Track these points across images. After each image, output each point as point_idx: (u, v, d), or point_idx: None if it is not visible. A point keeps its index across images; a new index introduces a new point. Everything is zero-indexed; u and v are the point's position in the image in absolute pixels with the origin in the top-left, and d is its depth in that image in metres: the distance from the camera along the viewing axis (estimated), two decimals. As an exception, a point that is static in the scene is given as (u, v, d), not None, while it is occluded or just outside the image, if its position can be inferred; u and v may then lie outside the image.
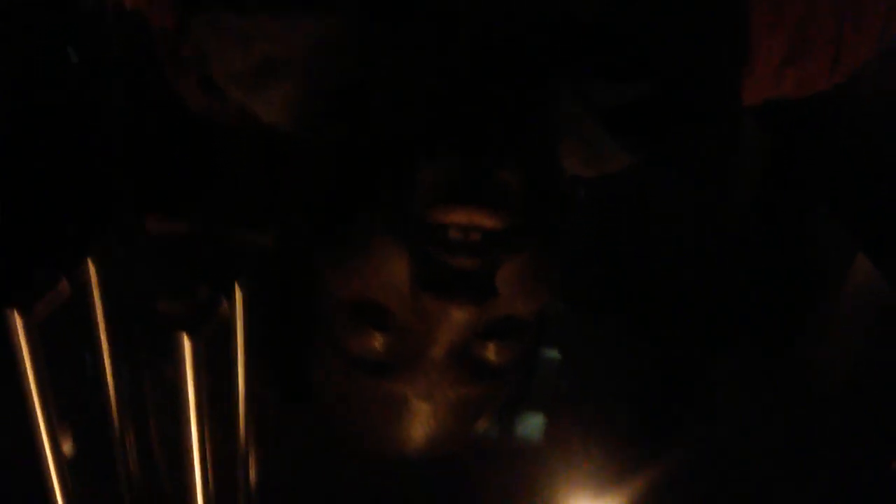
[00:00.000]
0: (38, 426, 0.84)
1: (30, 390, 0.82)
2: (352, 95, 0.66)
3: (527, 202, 0.58)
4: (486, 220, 0.55)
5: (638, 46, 0.67)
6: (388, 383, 0.62)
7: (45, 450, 0.84)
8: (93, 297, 0.89)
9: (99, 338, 0.92)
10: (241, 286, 0.84)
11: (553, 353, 1.38)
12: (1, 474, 0.98)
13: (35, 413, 0.83)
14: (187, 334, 0.79)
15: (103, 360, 0.92)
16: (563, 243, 0.66)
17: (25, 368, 0.81)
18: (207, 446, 0.84)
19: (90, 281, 0.88)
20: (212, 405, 0.86)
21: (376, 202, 0.60)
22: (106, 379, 0.92)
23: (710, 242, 1.19)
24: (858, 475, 1.14)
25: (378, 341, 0.61)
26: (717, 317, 1.24)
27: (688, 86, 0.70)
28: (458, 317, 0.57)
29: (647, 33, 0.68)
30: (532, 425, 1.33)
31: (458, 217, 0.55)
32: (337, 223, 0.63)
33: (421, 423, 0.63)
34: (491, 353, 0.61)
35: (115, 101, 0.87)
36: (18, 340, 0.80)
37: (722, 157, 0.75)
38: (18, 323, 0.79)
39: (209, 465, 0.87)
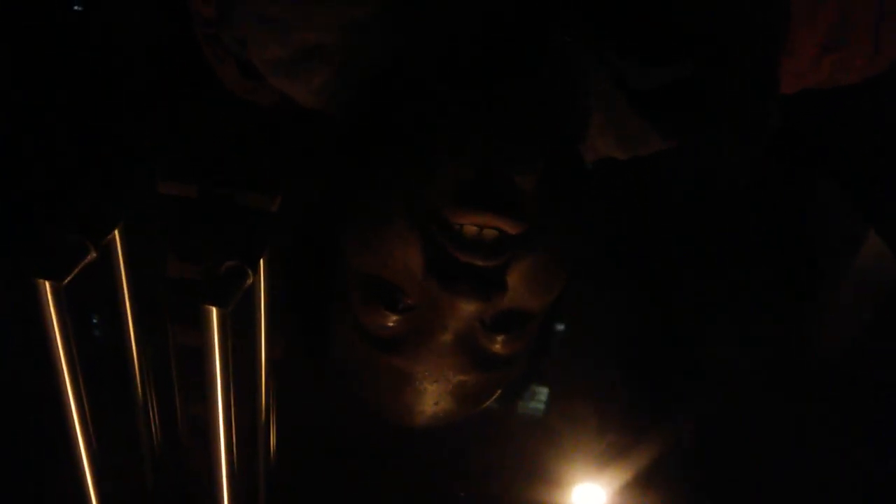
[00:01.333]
0: (66, 393, 0.85)
1: (58, 357, 0.83)
2: (385, 80, 0.67)
3: (543, 207, 0.59)
4: (502, 225, 0.56)
5: (676, 31, 0.67)
6: (396, 359, 0.63)
7: (71, 416, 0.86)
8: (119, 265, 0.90)
9: (125, 304, 0.93)
10: (266, 261, 0.85)
11: (556, 326, 1.40)
12: (25, 438, 0.99)
13: (62, 379, 0.84)
14: (215, 307, 0.80)
15: (128, 325, 0.93)
16: (577, 238, 0.67)
17: (54, 335, 0.82)
18: (232, 414, 0.86)
19: (117, 249, 0.89)
20: (235, 374, 0.88)
21: (398, 187, 0.61)
22: (131, 345, 0.93)
23: (714, 217, 1.20)
24: (855, 450, 1.17)
25: (389, 319, 0.62)
26: (720, 290, 1.26)
27: (725, 72, 0.70)
28: (465, 308, 0.58)
29: (685, 17, 0.68)
30: (535, 397, 1.35)
31: (474, 219, 0.56)
32: (359, 202, 0.64)
33: (423, 400, 0.64)
34: (498, 344, 0.63)
35: (141, 72, 0.87)
36: (47, 308, 0.81)
37: (755, 143, 0.75)
38: (47, 291, 0.80)
39: (233, 432, 0.89)
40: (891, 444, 1.17)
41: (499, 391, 0.70)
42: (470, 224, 0.57)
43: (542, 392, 1.43)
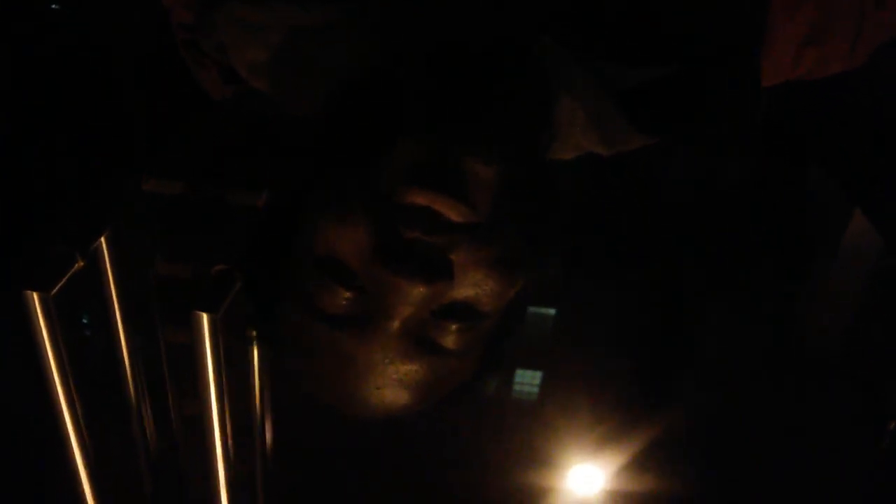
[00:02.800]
0: (58, 399, 0.85)
1: (48, 365, 0.83)
2: (362, 83, 0.66)
3: (497, 198, 0.59)
4: (448, 209, 0.56)
5: (655, 29, 0.67)
6: (341, 337, 0.62)
7: (64, 421, 0.86)
8: (106, 271, 0.90)
9: (113, 308, 0.93)
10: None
11: (549, 311, 1.41)
12: (24, 448, 1.00)
13: (54, 387, 0.84)
14: (206, 313, 0.80)
15: (118, 330, 0.93)
16: (543, 242, 0.67)
17: (43, 345, 0.82)
18: (227, 418, 0.86)
19: (104, 255, 0.89)
20: (228, 374, 0.88)
21: (356, 168, 0.61)
22: (122, 349, 0.93)
23: (708, 203, 1.20)
24: (852, 430, 1.18)
25: (340, 296, 0.61)
26: (715, 274, 1.27)
27: (705, 68, 0.70)
28: (408, 292, 0.58)
29: (664, 15, 0.68)
30: (529, 382, 1.36)
31: (420, 199, 0.56)
32: (318, 182, 0.64)
33: (364, 385, 0.63)
34: (447, 334, 0.62)
35: (127, 80, 0.86)
36: (36, 318, 0.81)
37: (737, 136, 0.75)
38: (35, 301, 0.80)
39: (228, 433, 0.89)
40: (885, 422, 1.19)
41: (447, 388, 0.69)
42: (417, 203, 0.57)
43: (536, 376, 1.44)
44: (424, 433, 1.16)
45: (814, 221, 1.27)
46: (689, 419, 1.21)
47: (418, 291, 0.58)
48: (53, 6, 1.03)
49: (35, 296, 0.79)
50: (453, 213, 0.57)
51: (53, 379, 0.83)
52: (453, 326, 0.62)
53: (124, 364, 0.95)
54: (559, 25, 0.66)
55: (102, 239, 0.88)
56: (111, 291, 0.91)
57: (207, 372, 0.83)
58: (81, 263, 0.83)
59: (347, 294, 0.61)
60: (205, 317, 0.80)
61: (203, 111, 0.88)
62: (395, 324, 0.61)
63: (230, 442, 0.87)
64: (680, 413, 1.22)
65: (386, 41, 0.66)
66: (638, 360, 1.31)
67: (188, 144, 1.05)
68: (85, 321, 1.17)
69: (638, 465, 1.22)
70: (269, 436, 0.99)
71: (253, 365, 0.92)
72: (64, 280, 0.81)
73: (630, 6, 0.66)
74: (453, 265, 0.59)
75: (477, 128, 0.60)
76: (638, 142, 0.70)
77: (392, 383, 0.63)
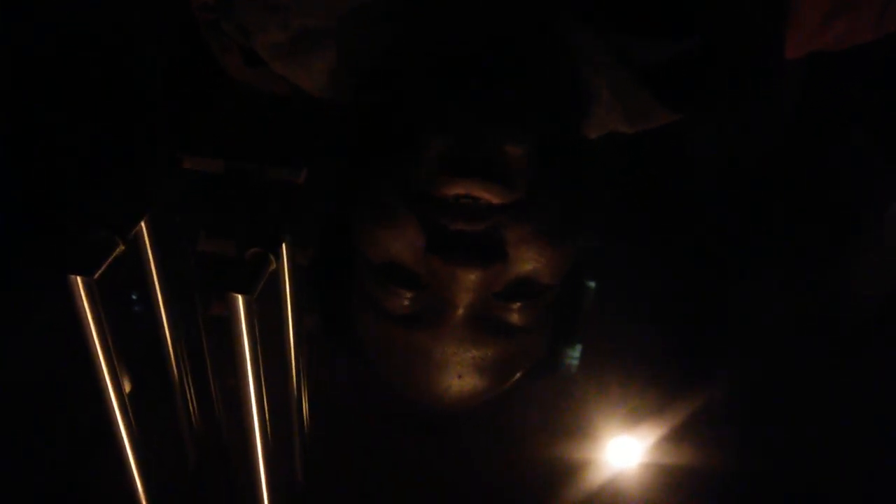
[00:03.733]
0: (103, 379, 0.88)
1: (93, 348, 0.87)
2: (384, 68, 0.67)
3: (532, 173, 0.59)
4: (485, 193, 0.57)
5: (675, 4, 0.67)
6: (414, 336, 0.65)
7: (110, 401, 0.89)
8: (147, 255, 0.93)
9: (155, 291, 0.96)
10: (287, 245, 0.87)
11: (589, 284, 1.40)
12: (71, 427, 1.04)
13: (99, 368, 0.88)
14: (241, 294, 0.82)
15: (160, 311, 0.96)
16: (583, 208, 0.67)
17: (89, 328, 0.85)
18: (264, 395, 0.89)
19: (144, 239, 0.91)
20: (265, 354, 0.90)
21: (394, 174, 0.62)
22: (164, 331, 0.96)
23: (744, 174, 1.18)
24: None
25: (404, 298, 0.63)
26: (754, 246, 1.25)
27: (728, 43, 0.69)
28: (467, 279, 0.59)
29: None
30: (569, 354, 1.36)
31: (457, 189, 0.57)
32: (361, 194, 0.65)
33: (446, 375, 0.65)
34: (514, 313, 0.64)
35: (159, 67, 0.88)
36: (80, 302, 0.84)
37: (761, 108, 0.74)
38: (80, 284, 0.83)
39: (265, 409, 0.92)
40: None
41: (524, 365, 0.71)
42: (455, 194, 0.58)
43: (576, 349, 1.43)
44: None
45: (858, 189, 1.24)
46: (729, 391, 1.20)
47: (476, 276, 0.59)
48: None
49: (79, 279, 0.82)
50: (492, 196, 0.58)
51: (99, 360, 0.86)
52: (517, 305, 0.63)
53: (167, 341, 0.98)
54: (581, 2, 0.65)
55: (143, 223, 0.90)
56: (153, 274, 0.94)
57: (244, 351, 0.85)
58: (123, 247, 0.86)
59: (410, 294, 0.63)
60: (240, 298, 0.83)
61: (231, 89, 0.89)
62: (461, 312, 0.63)
63: (267, 416, 0.90)
64: (719, 385, 1.22)
65: (410, 27, 0.66)
66: (677, 332, 1.30)
67: (224, 121, 1.07)
68: (134, 297, 1.21)
69: (676, 437, 1.22)
70: (306, 412, 1.01)
71: (289, 342, 0.95)
72: (106, 264, 0.84)
73: None
74: (504, 244, 0.60)
75: (500, 109, 0.60)
76: (662, 118, 0.70)
77: (470, 371, 0.66)
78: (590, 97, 0.69)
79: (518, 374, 0.71)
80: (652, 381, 1.29)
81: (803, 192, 1.18)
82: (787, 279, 1.25)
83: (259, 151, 1.03)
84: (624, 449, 1.29)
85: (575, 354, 1.46)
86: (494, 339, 0.64)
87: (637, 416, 1.27)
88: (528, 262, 0.62)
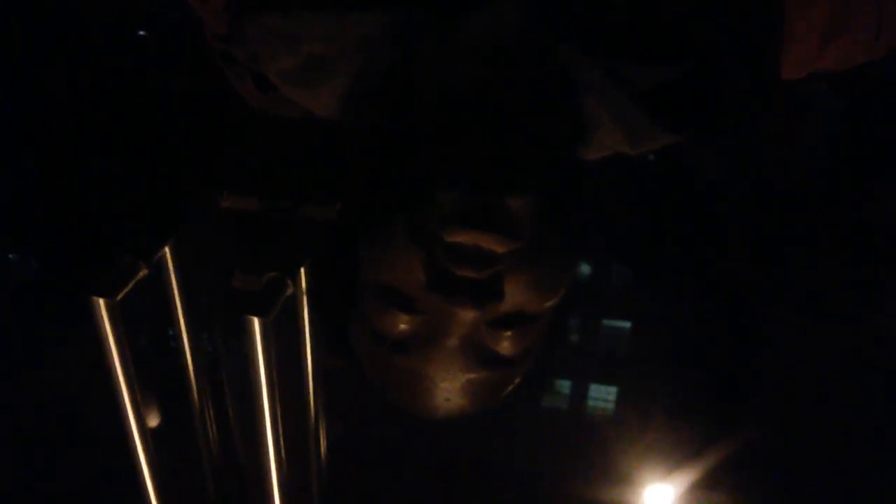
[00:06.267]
0: (124, 403, 0.90)
1: (115, 371, 0.88)
2: (393, 91, 0.68)
3: (536, 220, 0.61)
4: (491, 244, 0.59)
5: (672, 27, 0.67)
6: (407, 360, 0.66)
7: (130, 425, 0.90)
8: (171, 280, 0.94)
9: (178, 317, 0.97)
10: (306, 271, 0.88)
11: (624, 324, 1.38)
12: (90, 448, 1.05)
13: (120, 391, 0.89)
14: (257, 318, 0.83)
15: (182, 337, 0.98)
16: (576, 245, 0.68)
17: (109, 350, 0.87)
18: (279, 420, 0.89)
19: (168, 265, 0.93)
20: (282, 380, 0.90)
21: (404, 214, 0.63)
22: (186, 356, 0.97)
23: (778, 214, 1.16)
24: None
25: (400, 321, 0.65)
26: (786, 285, 1.21)
27: (724, 65, 0.69)
28: (463, 315, 0.62)
29: (681, 14, 0.67)
30: (604, 398, 1.34)
31: (466, 239, 0.59)
32: (370, 223, 0.67)
33: (435, 397, 0.67)
34: (504, 342, 0.65)
35: (183, 97, 0.91)
36: (102, 323, 0.85)
37: (756, 127, 0.73)
38: (102, 308, 0.85)
39: (281, 438, 0.92)
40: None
41: (511, 387, 0.72)
42: (464, 242, 0.60)
43: (612, 391, 1.41)
44: (499, 447, 1.15)
45: (887, 223, 1.20)
46: (764, 435, 1.16)
47: (472, 315, 0.62)
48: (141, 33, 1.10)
49: (101, 301, 0.84)
50: (498, 247, 0.60)
51: (119, 381, 0.87)
52: (507, 333, 0.65)
53: (188, 370, 0.99)
54: (576, 28, 0.66)
55: (167, 248, 0.92)
56: (175, 300, 0.96)
57: (260, 374, 0.85)
58: (146, 271, 0.88)
59: (407, 318, 0.65)
60: (256, 321, 0.83)
61: (261, 123, 0.92)
62: (454, 341, 0.65)
63: (282, 444, 0.90)
64: (753, 430, 1.17)
65: (414, 53, 0.68)
66: (712, 374, 1.26)
67: (262, 157, 1.09)
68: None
69: (711, 482, 1.18)
70: (323, 441, 1.01)
71: (306, 369, 0.95)
72: (129, 287, 0.86)
73: (645, 5, 0.66)
74: (502, 284, 0.62)
75: (507, 161, 0.62)
76: (663, 139, 0.70)
77: (458, 394, 0.68)
78: (589, 121, 0.70)
79: (501, 396, 0.73)
80: (688, 424, 1.25)
81: (843, 222, 1.15)
82: (825, 318, 1.20)
83: (293, 187, 1.05)
84: (661, 495, 1.25)
85: (609, 398, 1.43)
86: (482, 367, 0.66)
87: (673, 460, 1.23)
88: (523, 296, 0.64)
